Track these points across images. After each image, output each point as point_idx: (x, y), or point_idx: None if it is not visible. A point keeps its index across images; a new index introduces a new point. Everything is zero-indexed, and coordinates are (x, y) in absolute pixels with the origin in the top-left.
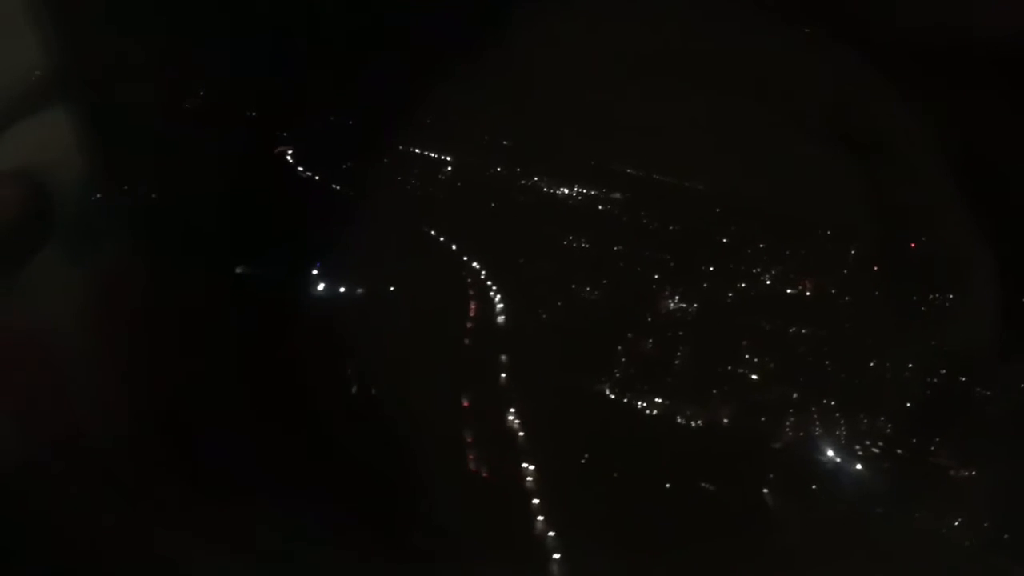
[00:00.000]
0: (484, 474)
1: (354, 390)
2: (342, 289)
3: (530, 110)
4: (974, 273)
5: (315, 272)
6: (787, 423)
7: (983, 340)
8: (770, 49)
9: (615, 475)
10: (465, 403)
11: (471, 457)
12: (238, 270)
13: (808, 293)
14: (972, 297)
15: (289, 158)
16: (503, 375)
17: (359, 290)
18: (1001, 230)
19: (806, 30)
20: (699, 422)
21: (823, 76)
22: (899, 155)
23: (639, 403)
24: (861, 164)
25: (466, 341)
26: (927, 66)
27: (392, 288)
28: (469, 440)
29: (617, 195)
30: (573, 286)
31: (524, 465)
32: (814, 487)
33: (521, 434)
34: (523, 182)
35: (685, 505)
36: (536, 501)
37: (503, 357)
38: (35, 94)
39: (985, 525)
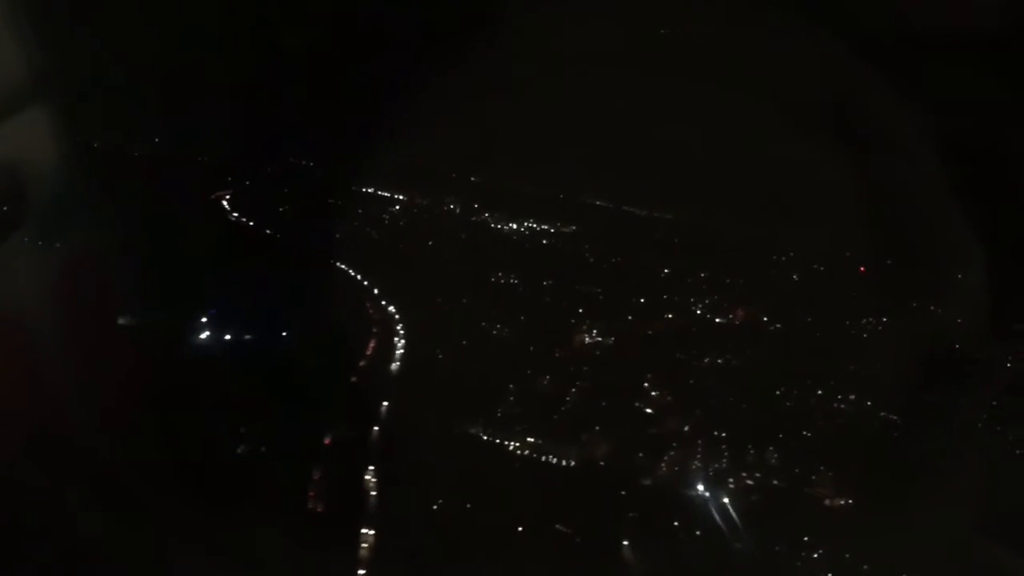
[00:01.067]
0: (319, 510)
1: (216, 432)
2: (227, 336)
3: (511, 138)
4: (960, 261)
5: (204, 320)
6: (665, 458)
7: (968, 329)
8: (763, 45)
9: (465, 518)
10: (327, 441)
11: (311, 494)
12: (120, 320)
13: (738, 322)
14: (960, 284)
15: (225, 203)
16: (381, 415)
17: (246, 336)
18: (992, 219)
19: (800, 26)
20: (571, 461)
21: (816, 71)
22: (891, 146)
23: (511, 444)
24: (853, 155)
25: (353, 379)
26: (918, 60)
27: (285, 333)
28: (316, 478)
29: (570, 228)
30: (483, 324)
31: (368, 497)
32: (675, 523)
33: (371, 477)
34: (473, 219)
35: (533, 549)
36: (364, 545)
37: (386, 397)
38: (16, 97)
39: (847, 556)
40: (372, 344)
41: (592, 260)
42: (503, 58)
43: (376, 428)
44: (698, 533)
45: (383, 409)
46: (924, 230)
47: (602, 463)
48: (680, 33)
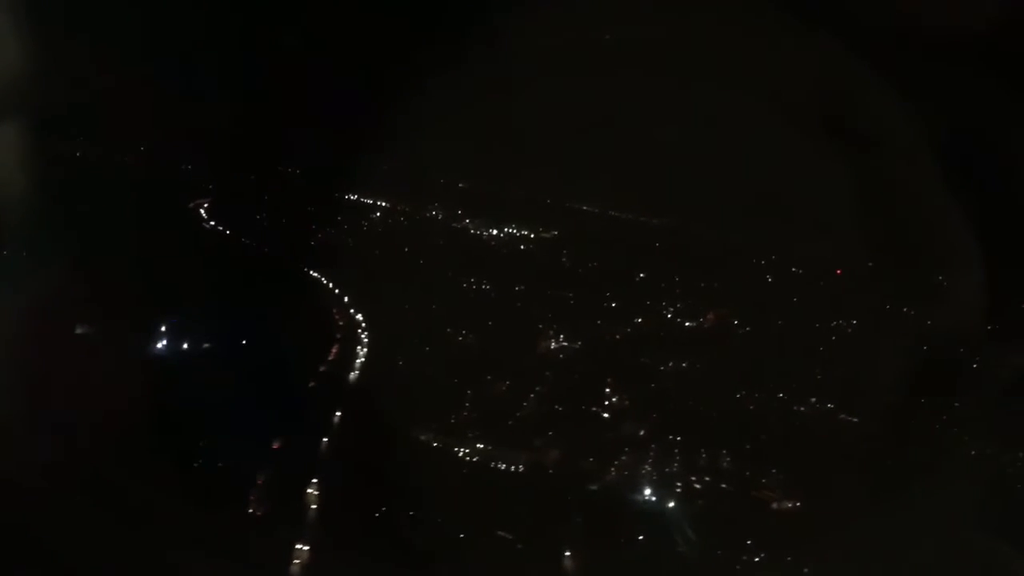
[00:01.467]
0: (258, 513)
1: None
2: (185, 345)
3: (504, 143)
4: (956, 257)
5: (163, 329)
6: (616, 463)
7: (964, 329)
8: (761, 44)
9: (407, 525)
10: (275, 445)
11: (252, 498)
12: (78, 330)
13: (708, 326)
14: (957, 283)
15: (203, 212)
16: (334, 420)
17: (204, 345)
18: (988, 217)
19: (797, 27)
20: (520, 467)
21: (809, 69)
22: (889, 144)
23: (460, 451)
24: (848, 156)
25: (311, 384)
26: (915, 59)
27: (244, 341)
28: (259, 482)
29: (551, 233)
30: (449, 330)
31: (308, 509)
32: (619, 528)
33: (313, 490)
34: (454, 225)
35: (474, 555)
36: (297, 561)
37: (340, 403)
38: None
39: (788, 559)
40: (335, 350)
41: (568, 265)
42: (495, 63)
43: (327, 434)
44: (641, 538)
45: (337, 415)
46: (920, 230)
47: (552, 468)
48: (674, 35)
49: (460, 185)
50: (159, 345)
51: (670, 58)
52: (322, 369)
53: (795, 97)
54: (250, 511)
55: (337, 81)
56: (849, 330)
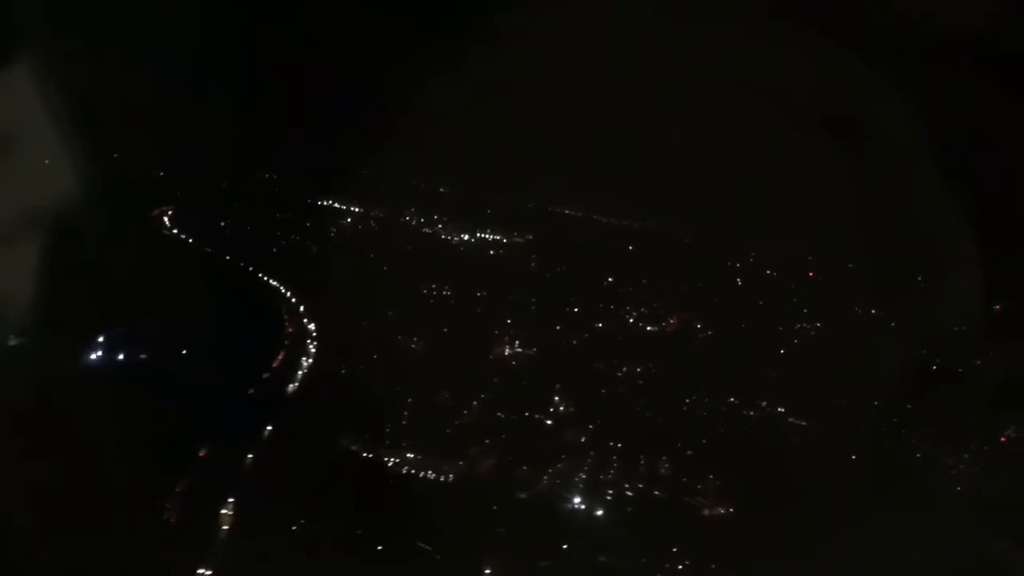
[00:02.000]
0: (171, 520)
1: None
2: (120, 356)
3: (491, 147)
4: (955, 257)
5: (101, 339)
6: (550, 471)
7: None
8: (757, 43)
9: (325, 537)
10: (201, 453)
11: (168, 505)
12: (11, 342)
13: (669, 330)
14: (952, 281)
15: (166, 220)
16: (267, 429)
17: (142, 356)
18: (984, 216)
19: (794, 25)
20: (450, 477)
21: (810, 70)
22: (885, 144)
23: (391, 460)
24: (847, 153)
25: (251, 391)
26: (912, 59)
27: (185, 351)
28: (177, 490)
29: (526, 238)
30: (400, 337)
31: (222, 518)
32: (542, 537)
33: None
34: (426, 230)
35: (390, 568)
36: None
37: (276, 412)
38: None
39: (712, 566)
40: (280, 357)
41: (536, 270)
42: (485, 69)
43: (257, 443)
44: (565, 547)
45: (270, 423)
46: (909, 231)
47: (484, 477)
48: (662, 37)
49: (441, 190)
50: (97, 355)
51: (658, 61)
52: (265, 376)
53: (785, 99)
54: (164, 519)
55: (323, 86)
56: (812, 333)
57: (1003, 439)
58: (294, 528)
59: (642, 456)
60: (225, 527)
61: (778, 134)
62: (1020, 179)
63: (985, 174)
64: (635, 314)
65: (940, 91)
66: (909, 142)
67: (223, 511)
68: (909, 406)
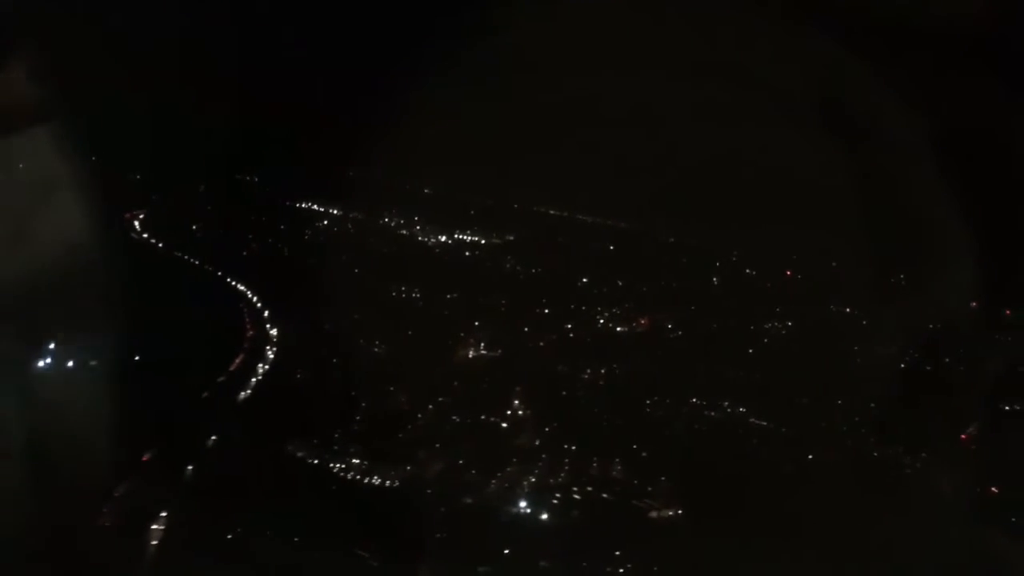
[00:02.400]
0: (107, 524)
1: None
2: (70, 364)
3: (476, 146)
4: (949, 256)
5: (51, 347)
6: (499, 475)
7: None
8: (754, 38)
9: (261, 545)
10: (145, 457)
11: (105, 510)
12: None
13: (640, 331)
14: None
15: (137, 224)
16: (215, 434)
17: (92, 363)
18: (980, 208)
19: (789, 20)
20: (396, 482)
21: (806, 64)
22: (882, 137)
23: (336, 466)
24: (843, 150)
25: (204, 394)
26: (907, 52)
27: (138, 357)
28: (117, 494)
29: (506, 239)
30: (361, 340)
31: (156, 525)
32: (481, 543)
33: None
34: (403, 232)
35: (327, 572)
36: None
37: (226, 417)
38: None
39: (655, 569)
40: (238, 361)
41: (510, 271)
42: (471, 67)
43: (202, 449)
44: (506, 552)
45: (217, 429)
46: (910, 226)
47: (431, 482)
48: (657, 33)
49: (426, 191)
50: (46, 361)
51: (649, 59)
52: (220, 380)
53: (779, 95)
54: (97, 524)
55: (307, 87)
56: (783, 332)
57: (963, 436)
58: (229, 537)
59: (595, 459)
60: (159, 531)
61: (772, 131)
62: (1020, 176)
63: (984, 170)
64: (606, 315)
65: (937, 85)
66: (906, 138)
67: (161, 515)
68: (876, 406)
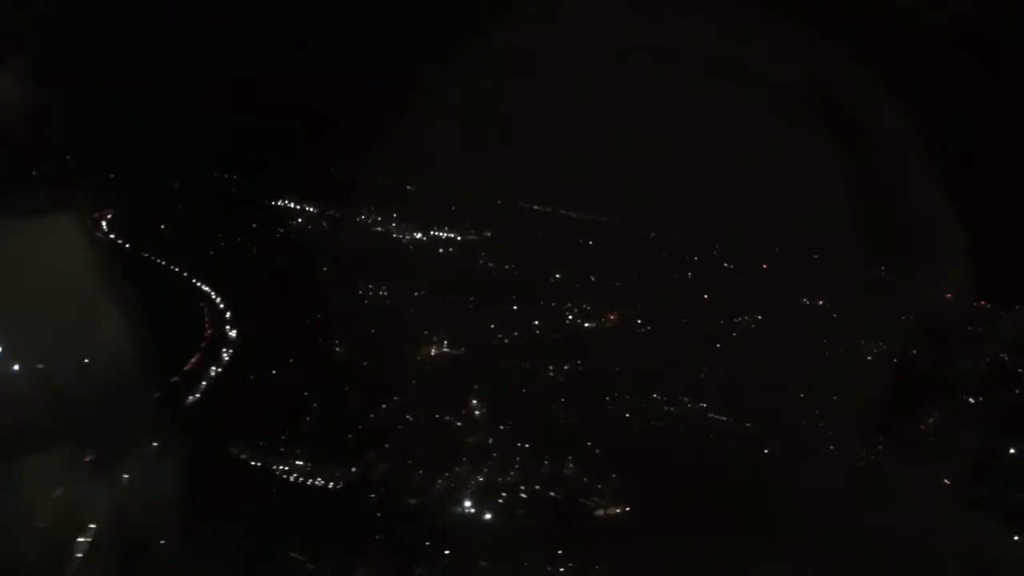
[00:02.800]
0: (41, 525)
1: None
2: (16, 367)
3: (465, 143)
4: (940, 251)
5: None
6: (446, 474)
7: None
8: (744, 37)
9: (193, 549)
10: (87, 458)
11: (35, 514)
12: None
13: (608, 326)
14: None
15: (104, 224)
16: (159, 436)
17: (39, 365)
18: (974, 205)
19: (783, 18)
20: (340, 484)
21: (799, 62)
22: (875, 135)
23: (280, 469)
24: (836, 147)
25: (156, 395)
26: (907, 51)
27: (87, 360)
28: (57, 494)
29: (483, 235)
30: (321, 340)
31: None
32: (421, 545)
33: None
34: (377, 229)
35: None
36: None
37: (173, 419)
38: None
39: (596, 567)
40: (194, 361)
41: (483, 268)
42: (453, 62)
43: (146, 450)
44: (446, 553)
45: (163, 430)
46: (902, 221)
47: (377, 483)
48: (650, 30)
49: (408, 188)
50: None
51: (640, 56)
52: (174, 380)
53: (773, 92)
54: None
55: (293, 85)
56: (752, 326)
57: (923, 427)
58: (162, 542)
59: (547, 457)
60: (93, 531)
61: (765, 128)
62: (1014, 172)
63: (979, 167)
64: (575, 311)
65: (931, 83)
66: (900, 135)
67: (96, 515)
68: (837, 399)
